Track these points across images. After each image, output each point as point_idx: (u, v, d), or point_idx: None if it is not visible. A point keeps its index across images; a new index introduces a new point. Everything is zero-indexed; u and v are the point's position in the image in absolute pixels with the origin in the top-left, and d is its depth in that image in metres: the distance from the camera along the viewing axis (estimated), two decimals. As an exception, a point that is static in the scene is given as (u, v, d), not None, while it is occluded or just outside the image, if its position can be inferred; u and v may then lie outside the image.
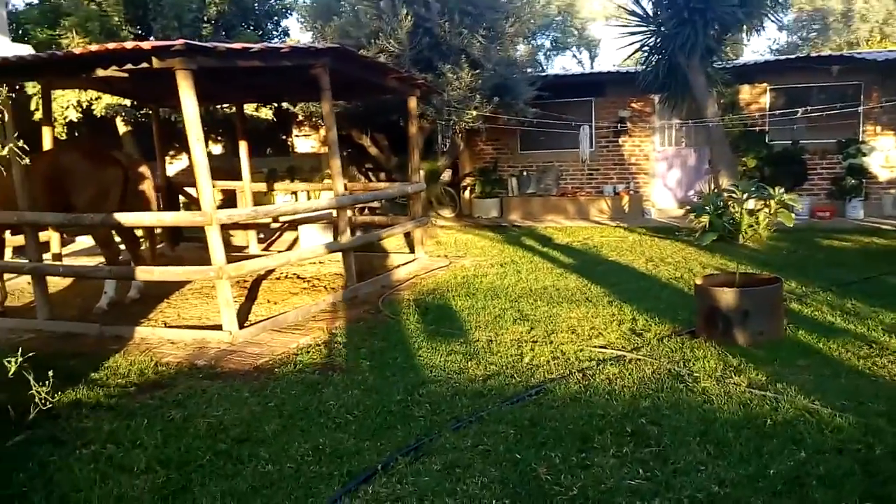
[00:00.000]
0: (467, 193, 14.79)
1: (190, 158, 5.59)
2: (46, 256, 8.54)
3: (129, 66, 5.23)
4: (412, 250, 8.75)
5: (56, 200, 6.14)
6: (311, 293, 6.96)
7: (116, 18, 12.25)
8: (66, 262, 8.33)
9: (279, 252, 9.06)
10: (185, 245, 9.57)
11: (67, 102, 12.07)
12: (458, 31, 10.17)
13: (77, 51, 5.22)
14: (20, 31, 12.23)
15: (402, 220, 8.96)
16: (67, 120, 12.27)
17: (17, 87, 12.50)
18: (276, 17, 14.58)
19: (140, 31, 12.67)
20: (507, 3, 11.32)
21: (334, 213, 7.30)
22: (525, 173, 14.62)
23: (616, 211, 13.07)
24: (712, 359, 4.53)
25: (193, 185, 12.26)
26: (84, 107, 12.23)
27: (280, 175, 15.78)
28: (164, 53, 5.05)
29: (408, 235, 9.01)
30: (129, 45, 4.98)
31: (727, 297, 4.84)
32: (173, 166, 17.27)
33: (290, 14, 14.64)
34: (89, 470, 3.31)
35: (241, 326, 5.59)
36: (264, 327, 5.70)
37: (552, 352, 4.88)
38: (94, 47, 5.16)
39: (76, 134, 13.58)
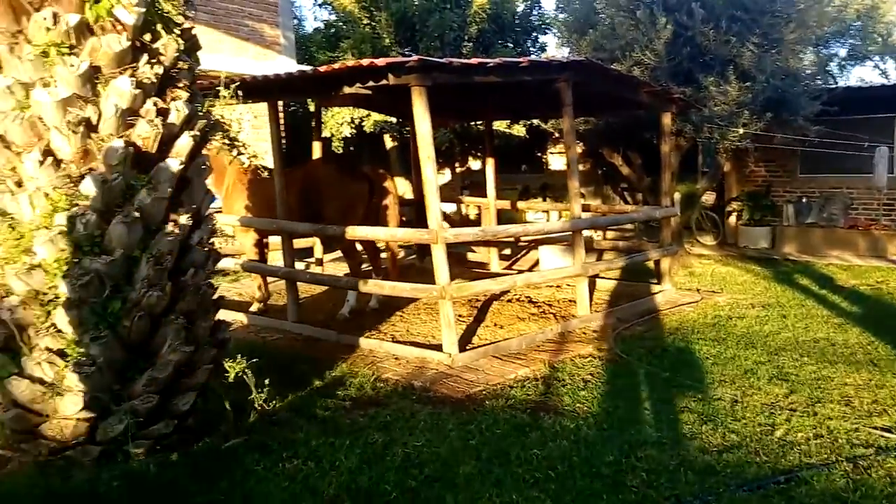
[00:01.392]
0: (733, 219, 13.33)
1: (420, 175, 5.59)
2: (310, 260, 9.36)
3: (371, 83, 5.34)
4: (659, 281, 7.98)
5: (309, 210, 6.55)
6: (540, 320, 6.60)
7: (388, 40, 13.12)
8: (328, 268, 9.00)
9: (520, 272, 8.87)
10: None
11: (342, 119, 13.22)
12: (725, 38, 9.11)
13: (322, 69, 5.47)
14: (306, 54, 13.66)
15: (648, 246, 8.22)
16: (342, 135, 13.44)
17: (298, 105, 14.01)
18: (534, 34, 14.56)
19: (408, 51, 13.46)
20: (787, 7, 9.93)
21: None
22: (804, 200, 12.76)
23: (922, 249, 10.80)
24: None
25: (449, 200, 12.76)
26: (356, 123, 13.30)
27: (533, 192, 15.74)
28: (400, 70, 5.06)
29: (656, 263, 8.24)
30: (365, 62, 5.08)
31: None
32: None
33: (549, 30, 14.49)
34: (283, 488, 3.29)
35: (463, 349, 5.42)
36: (485, 352, 5.47)
37: (815, 427, 3.94)
38: (335, 65, 5.37)
39: (350, 148, 14.83)
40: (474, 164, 17.69)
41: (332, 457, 3.61)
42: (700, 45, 9.23)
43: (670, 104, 7.83)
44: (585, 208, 8.92)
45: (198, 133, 3.88)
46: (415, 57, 4.99)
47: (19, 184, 3.41)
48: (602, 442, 3.76)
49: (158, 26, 3.69)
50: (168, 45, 3.70)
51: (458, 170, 17.83)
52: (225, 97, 4.37)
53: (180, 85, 3.84)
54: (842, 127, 10.90)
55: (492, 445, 3.74)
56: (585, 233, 11.61)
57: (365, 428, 4.02)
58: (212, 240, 4.12)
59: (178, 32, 3.79)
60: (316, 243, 9.16)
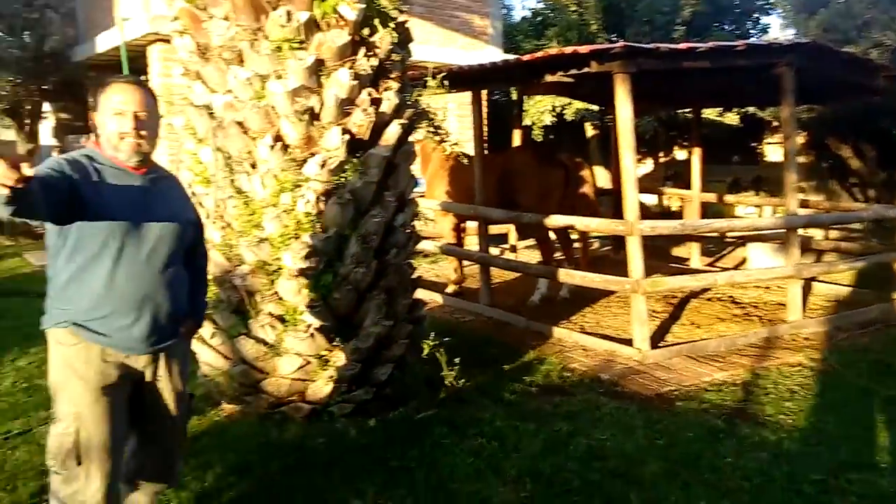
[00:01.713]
0: None
1: (619, 164, 5.45)
2: (504, 246, 9.53)
3: (573, 70, 5.29)
4: (891, 289, 7.07)
5: (505, 197, 6.67)
6: (743, 322, 6.16)
7: (594, 26, 12.88)
8: (521, 255, 9.11)
9: (723, 270, 8.35)
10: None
11: (543, 107, 13.24)
12: None
13: (525, 58, 5.50)
14: (512, 43, 13.82)
15: (878, 249, 7.34)
16: (543, 123, 13.46)
17: (500, 94, 14.19)
18: (755, 14, 13.49)
19: (615, 37, 13.10)
20: None
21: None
22: None
23: None
24: None
25: (649, 191, 12.29)
26: (557, 112, 13.25)
27: (743, 185, 14.68)
28: (604, 57, 4.97)
29: (890, 269, 7.33)
30: (568, 50, 5.04)
31: None
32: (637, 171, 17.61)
33: (772, 11, 13.34)
34: (468, 463, 3.41)
35: (654, 346, 5.23)
36: (679, 351, 5.24)
37: None
38: (538, 54, 5.38)
39: (550, 136, 14.82)
40: (679, 154, 16.85)
41: (515, 439, 3.67)
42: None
43: (916, 90, 6.90)
44: (804, 204, 8.17)
45: (406, 121, 4.09)
46: (620, 43, 4.87)
47: (253, 165, 3.84)
48: (805, 458, 3.46)
49: (376, 21, 3.91)
50: (384, 39, 3.92)
51: (661, 160, 17.09)
52: (432, 87, 4.59)
53: (392, 76, 4.05)
54: None
55: (681, 448, 3.59)
56: (803, 232, 10.68)
57: (550, 415, 4.05)
58: (413, 222, 4.36)
59: (393, 26, 3.99)
60: (510, 230, 9.29)
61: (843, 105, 9.54)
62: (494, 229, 8.98)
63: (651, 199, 14.18)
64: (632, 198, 5.13)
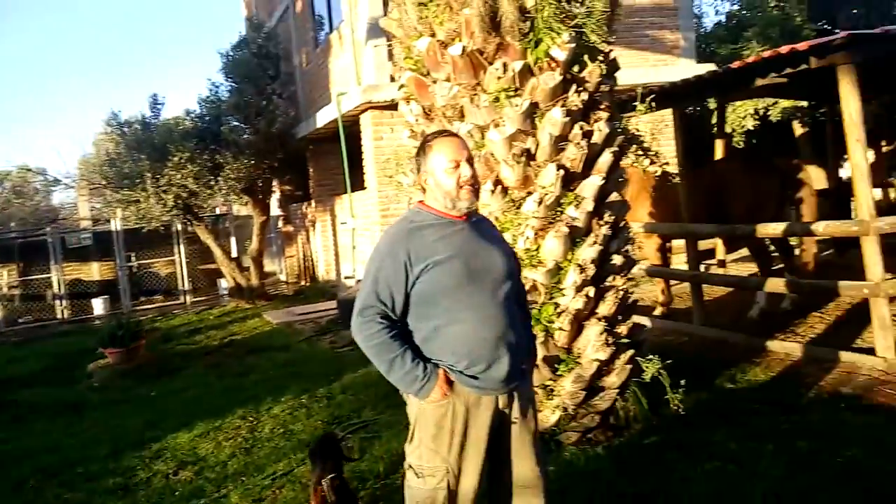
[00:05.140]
0: None
1: (836, 161, 5.13)
2: (712, 262, 9.18)
3: (787, 69, 5.10)
4: None
5: (715, 211, 6.50)
6: None
7: (799, 18, 12.06)
8: (730, 269, 8.73)
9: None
10: (857, 251, 8.74)
11: (745, 112, 12.57)
12: None
13: (735, 65, 5.37)
14: (706, 52, 13.32)
15: None
16: (744, 129, 12.77)
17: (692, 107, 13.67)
18: None
19: (825, 26, 12.15)
20: None
21: None
22: None
23: None
24: None
25: (873, 185, 11.18)
26: (760, 114, 12.51)
27: None
28: (823, 51, 4.73)
29: None
30: (784, 49, 4.86)
31: None
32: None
33: None
34: (708, 488, 3.38)
35: (901, 354, 4.84)
36: (931, 360, 4.79)
37: None
38: (749, 59, 5.22)
39: (753, 141, 13.99)
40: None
41: (754, 461, 3.61)
42: None
43: None
44: None
45: (617, 148, 4.22)
46: (842, 33, 4.62)
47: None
48: None
49: (585, 57, 4.05)
50: (593, 73, 4.05)
51: (884, 149, 15.38)
52: (641, 110, 4.66)
53: (602, 106, 4.18)
54: None
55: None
56: None
57: (788, 433, 3.92)
58: (627, 247, 4.45)
59: (601, 59, 4.12)
60: (718, 244, 8.94)
61: None
62: (702, 245, 8.72)
63: (876, 194, 12.83)
64: (865, 194, 4.85)
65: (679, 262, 7.94)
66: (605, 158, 4.15)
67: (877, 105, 12.25)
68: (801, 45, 4.77)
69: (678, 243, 7.54)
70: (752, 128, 12.57)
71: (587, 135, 4.07)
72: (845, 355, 5.08)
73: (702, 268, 8.86)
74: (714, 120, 10.24)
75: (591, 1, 3.98)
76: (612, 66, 4.35)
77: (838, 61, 4.76)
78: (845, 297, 6.30)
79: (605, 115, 4.17)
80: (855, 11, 11.17)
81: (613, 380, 4.13)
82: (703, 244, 8.76)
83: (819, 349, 5.33)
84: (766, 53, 5.10)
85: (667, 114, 7.31)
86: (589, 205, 4.06)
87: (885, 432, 3.77)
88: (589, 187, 4.06)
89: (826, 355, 5.19)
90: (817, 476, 3.38)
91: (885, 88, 9.36)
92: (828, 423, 4.02)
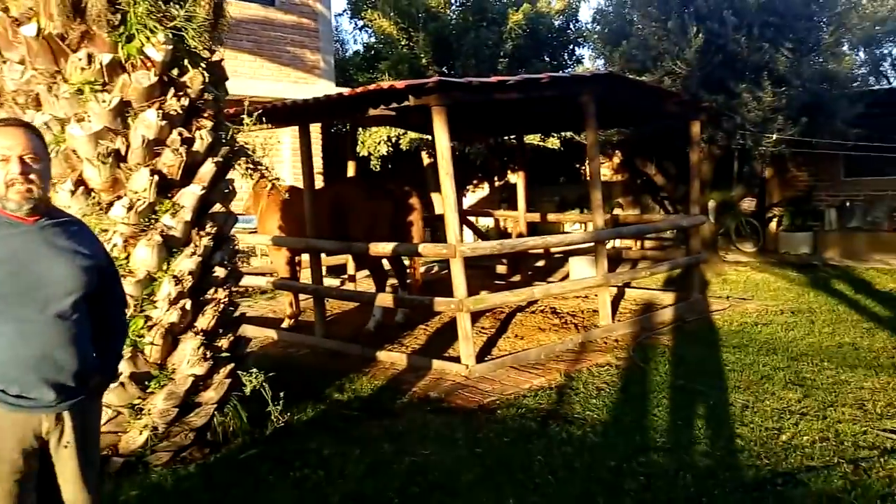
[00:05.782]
0: (773, 225, 13.14)
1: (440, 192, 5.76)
2: (344, 277, 9.61)
3: (394, 104, 5.55)
4: (688, 289, 7.96)
5: (337, 229, 6.80)
6: (561, 331, 6.69)
7: (425, 60, 13.37)
8: (360, 284, 9.21)
9: (548, 282, 8.95)
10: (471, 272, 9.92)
11: (380, 138, 13.53)
12: (758, 45, 9.06)
13: (346, 92, 5.71)
14: (346, 76, 14.04)
15: (675, 254, 8.22)
16: (380, 153, 13.74)
17: (340, 126, 14.37)
18: (570, 47, 14.65)
19: (445, 70, 13.68)
20: (823, 11, 9.80)
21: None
22: (848, 204, 12.49)
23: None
24: None
25: (486, 215, 12.93)
26: (393, 141, 13.59)
27: (570, 204, 15.76)
28: (420, 91, 5.24)
29: (686, 272, 8.23)
30: (385, 85, 5.29)
31: None
32: (474, 196, 18.38)
33: (585, 44, 14.56)
34: (292, 496, 3.45)
35: (481, 360, 5.56)
36: (503, 363, 5.60)
37: (821, 431, 3.97)
38: (359, 89, 5.60)
39: (388, 166, 15.12)
40: (512, 178, 17.80)
41: (341, 465, 3.77)
42: (732, 52, 9.20)
43: (699, 113, 7.86)
44: (615, 218, 9.01)
45: (220, 159, 4.13)
46: (434, 77, 5.17)
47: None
48: (605, 448, 3.86)
49: (185, 61, 3.92)
50: (194, 79, 3.94)
51: (496, 184, 17.96)
52: (248, 124, 4.64)
53: (205, 115, 4.08)
54: (887, 129, 10.66)
55: (497, 453, 3.87)
56: (619, 243, 11.70)
57: (377, 438, 4.18)
58: (234, 259, 4.37)
59: (205, 66, 4.03)
60: (349, 260, 9.40)
61: (647, 127, 10.60)
62: (333, 260, 9.09)
63: (489, 222, 14.86)
64: (453, 222, 5.45)
65: (308, 276, 8.13)
66: (208, 168, 4.02)
67: (486, 146, 14.21)
68: (400, 84, 5.23)
69: (308, 258, 7.71)
70: (385, 153, 13.57)
71: (187, 141, 3.92)
72: (437, 363, 5.63)
73: (336, 282, 9.24)
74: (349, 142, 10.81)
75: (192, 6, 3.87)
76: (220, 75, 4.28)
77: (432, 102, 5.30)
78: (443, 312, 7.06)
79: (208, 123, 4.06)
80: (472, 61, 12.75)
81: (211, 395, 3.99)
82: (335, 260, 9.15)
83: (418, 358, 5.85)
84: (373, 86, 5.51)
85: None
86: (187, 214, 3.89)
87: (456, 430, 4.23)
88: (188, 196, 3.90)
89: (422, 364, 5.71)
90: (391, 474, 3.65)
91: (485, 132, 10.91)
92: (413, 424, 4.38)
